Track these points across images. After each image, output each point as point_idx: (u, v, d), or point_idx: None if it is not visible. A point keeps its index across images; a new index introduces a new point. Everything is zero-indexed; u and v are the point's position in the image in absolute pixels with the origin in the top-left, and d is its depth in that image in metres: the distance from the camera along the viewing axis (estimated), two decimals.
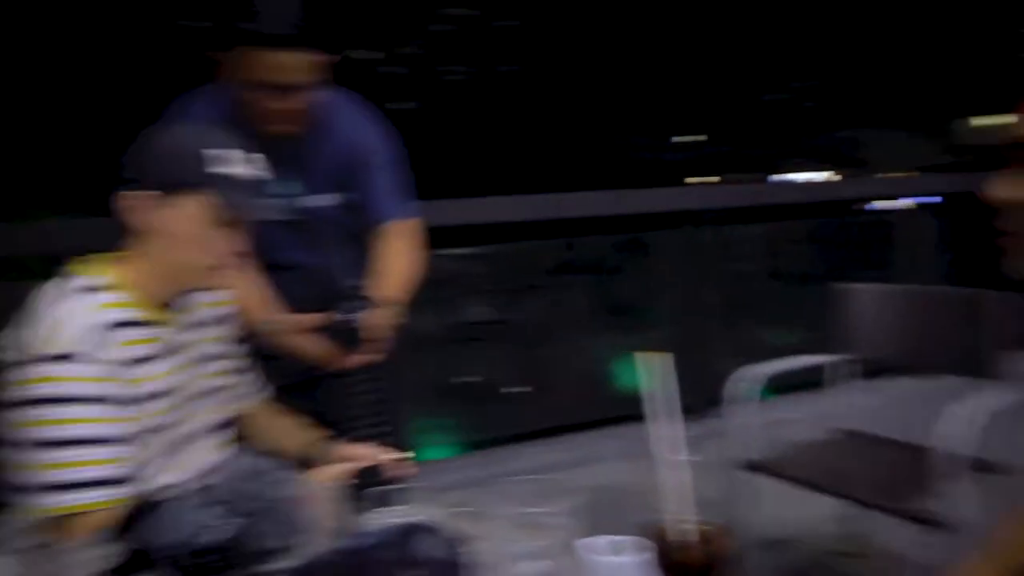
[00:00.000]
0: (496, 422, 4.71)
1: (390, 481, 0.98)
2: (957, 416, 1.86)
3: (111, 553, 0.73)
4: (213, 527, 0.72)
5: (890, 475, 2.00)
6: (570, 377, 5.64)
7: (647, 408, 0.70)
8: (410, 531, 0.61)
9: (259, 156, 1.33)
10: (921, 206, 4.50)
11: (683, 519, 0.71)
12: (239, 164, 1.28)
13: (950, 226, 4.54)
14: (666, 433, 0.70)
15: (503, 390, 5.31)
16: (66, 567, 1.02)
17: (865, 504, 1.97)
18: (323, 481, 1.30)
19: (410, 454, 1.45)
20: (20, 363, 1.19)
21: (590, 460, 3.42)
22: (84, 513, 1.16)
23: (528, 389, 5.26)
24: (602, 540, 0.82)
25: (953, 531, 1.80)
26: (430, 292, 5.72)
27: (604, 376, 5.65)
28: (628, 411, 4.03)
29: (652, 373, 0.71)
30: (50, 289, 1.27)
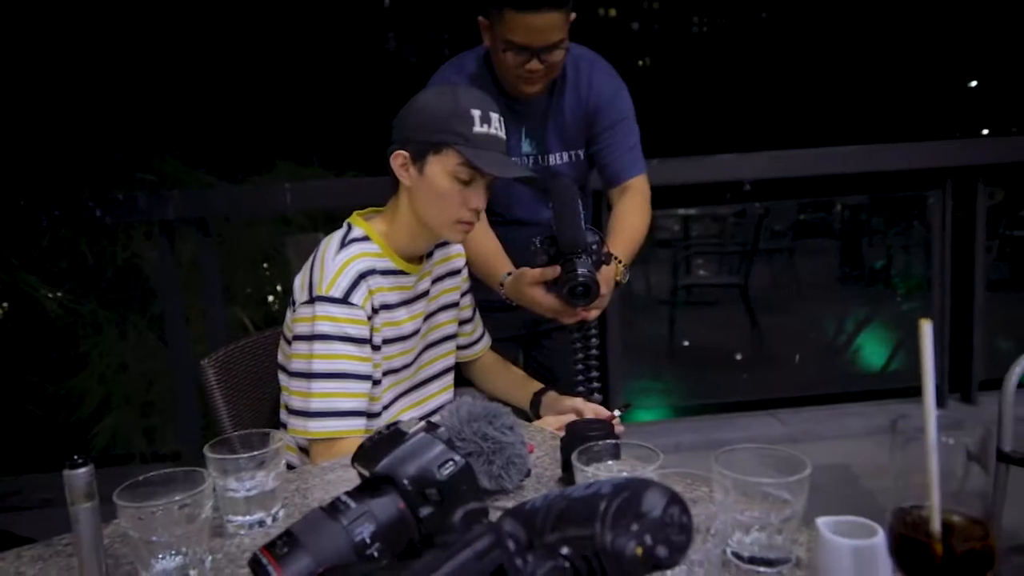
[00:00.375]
0: (719, 388, 4.58)
1: (603, 437, 0.99)
2: None
3: (355, 476, 0.82)
4: (445, 463, 0.77)
5: None
6: (802, 346, 5.33)
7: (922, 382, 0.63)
8: (635, 484, 0.61)
9: (505, 116, 1.39)
10: None
11: (936, 509, 0.64)
12: (487, 123, 1.34)
13: None
14: (930, 408, 0.64)
15: (734, 355, 5.16)
16: (318, 485, 1.15)
17: None
18: (545, 429, 1.36)
19: (621, 409, 1.47)
20: (306, 302, 1.35)
21: (821, 436, 3.22)
22: (337, 439, 1.32)
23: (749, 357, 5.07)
24: (837, 519, 0.77)
25: None
26: (661, 251, 5.67)
27: (843, 348, 5.27)
28: (868, 387, 3.75)
29: (922, 341, 0.64)
30: (332, 238, 1.42)
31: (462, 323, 1.65)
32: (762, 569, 0.84)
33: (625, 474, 0.88)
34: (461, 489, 0.76)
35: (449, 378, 1.61)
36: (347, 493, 0.76)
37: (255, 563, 0.71)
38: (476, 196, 1.36)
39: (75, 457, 0.82)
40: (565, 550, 0.57)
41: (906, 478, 0.67)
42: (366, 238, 1.41)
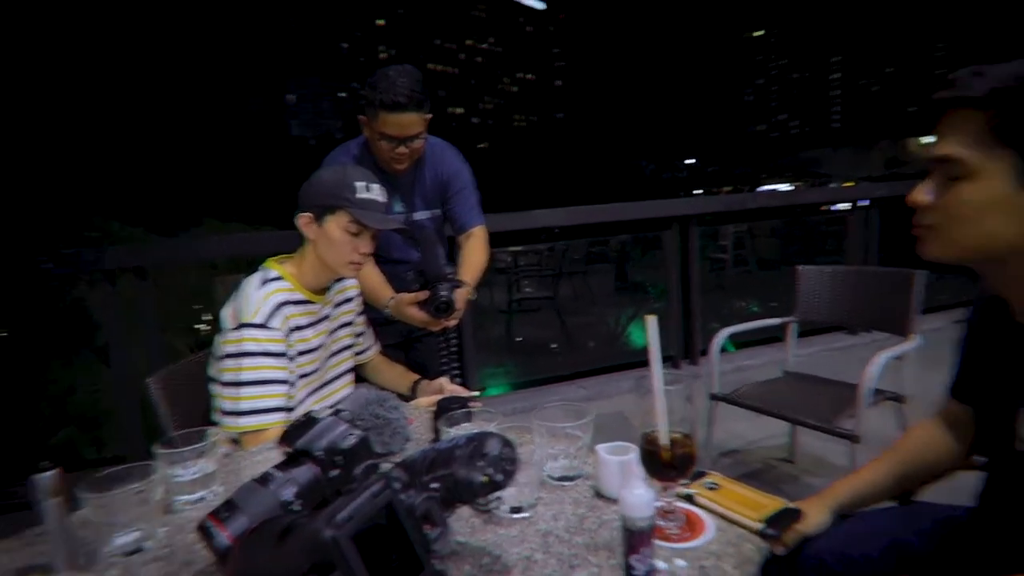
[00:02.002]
0: (541, 367, 4.76)
1: (462, 407, 1.02)
2: (879, 361, 1.82)
3: (277, 458, 0.79)
4: (347, 436, 0.76)
5: (821, 404, 1.96)
6: (594, 336, 5.65)
7: (648, 353, 0.72)
8: (481, 436, 0.64)
9: (383, 186, 1.39)
10: (865, 207, 4.31)
11: (662, 431, 0.73)
12: (372, 192, 1.34)
13: (886, 222, 4.37)
14: (654, 372, 0.72)
15: (549, 345, 5.37)
16: (249, 465, 1.09)
17: (799, 423, 1.94)
18: (419, 407, 1.37)
19: (476, 392, 1.51)
20: (233, 328, 1.27)
21: (607, 395, 3.44)
22: (263, 430, 1.25)
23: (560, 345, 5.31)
24: (609, 445, 0.85)
25: (859, 442, 1.78)
26: (499, 276, 5.78)
27: (619, 335, 5.65)
28: (636, 359, 4.05)
29: (648, 329, 0.73)
30: (252, 278, 1.35)
31: (357, 336, 1.62)
32: (565, 483, 0.89)
33: (476, 430, 0.91)
34: (360, 454, 0.76)
35: (350, 377, 1.58)
36: (274, 466, 0.74)
37: (203, 528, 0.68)
38: (364, 244, 1.36)
39: (43, 462, 0.74)
40: (435, 485, 0.60)
41: (649, 413, 0.75)
42: (280, 278, 1.36)
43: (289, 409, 1.34)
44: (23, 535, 0.85)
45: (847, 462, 1.84)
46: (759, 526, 0.76)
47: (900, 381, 1.96)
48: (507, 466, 0.61)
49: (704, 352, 3.76)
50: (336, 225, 1.32)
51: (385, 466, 0.59)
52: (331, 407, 0.83)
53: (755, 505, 0.81)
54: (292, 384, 1.34)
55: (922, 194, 0.74)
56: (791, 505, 0.82)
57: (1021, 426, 0.72)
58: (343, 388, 1.54)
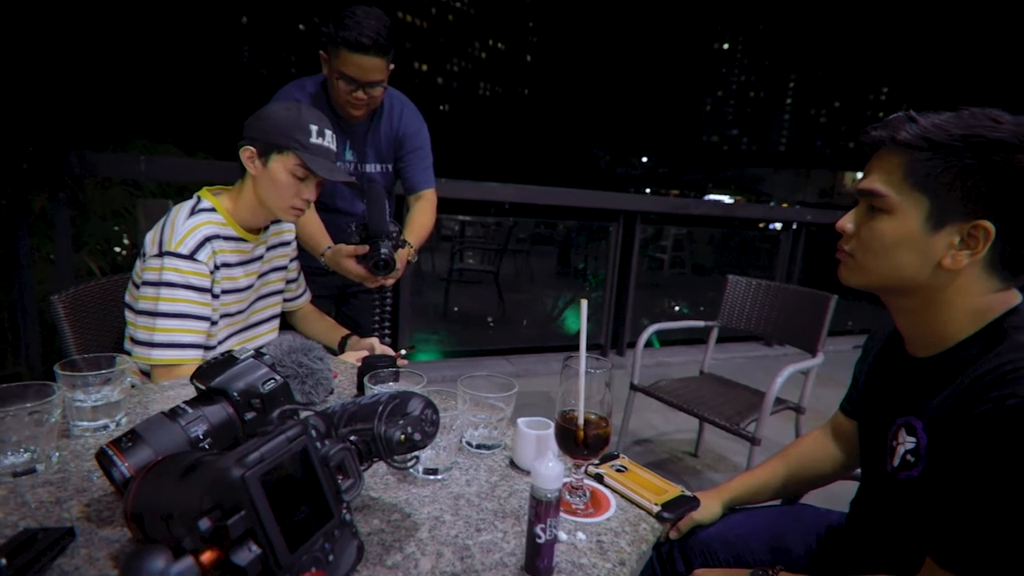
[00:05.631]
0: (473, 340, 4.78)
1: (388, 366, 1.01)
2: (785, 372, 1.95)
3: (189, 393, 0.76)
4: (268, 380, 0.74)
5: (729, 405, 2.09)
6: (530, 315, 5.73)
7: (580, 335, 0.74)
8: (404, 395, 0.64)
9: (335, 132, 1.34)
10: (796, 229, 4.60)
11: (579, 410, 0.75)
12: (322, 137, 1.28)
13: (811, 245, 4.68)
14: (581, 353, 0.74)
15: (487, 319, 5.39)
16: (158, 399, 1.05)
17: (707, 421, 2.06)
18: (345, 362, 1.34)
19: (403, 351, 1.50)
20: (155, 255, 1.20)
21: (535, 373, 3.52)
22: (177, 365, 1.20)
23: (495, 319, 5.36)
24: (529, 419, 0.87)
25: (759, 444, 1.92)
26: (444, 244, 5.72)
27: (554, 318, 5.76)
28: (567, 343, 4.15)
29: (579, 312, 0.75)
30: (183, 206, 1.28)
31: (289, 282, 1.57)
32: (483, 452, 0.91)
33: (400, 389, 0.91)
34: (279, 400, 0.74)
35: (275, 323, 1.52)
36: (185, 402, 0.71)
37: (101, 455, 0.64)
38: (308, 190, 1.30)
39: None
40: (353, 438, 0.59)
41: (569, 393, 0.78)
42: (213, 209, 1.29)
43: (207, 348, 1.29)
44: None
45: (744, 461, 1.99)
46: (657, 509, 0.81)
47: (800, 393, 2.12)
48: (427, 427, 0.62)
49: (632, 344, 3.91)
50: (282, 166, 1.26)
51: (304, 414, 0.57)
52: (253, 350, 0.80)
53: (657, 490, 0.86)
54: (214, 323, 1.28)
55: (847, 222, 0.80)
56: (689, 494, 0.88)
57: (893, 447, 0.80)
58: (267, 334, 1.49)
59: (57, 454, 0.79)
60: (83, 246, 3.30)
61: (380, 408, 0.60)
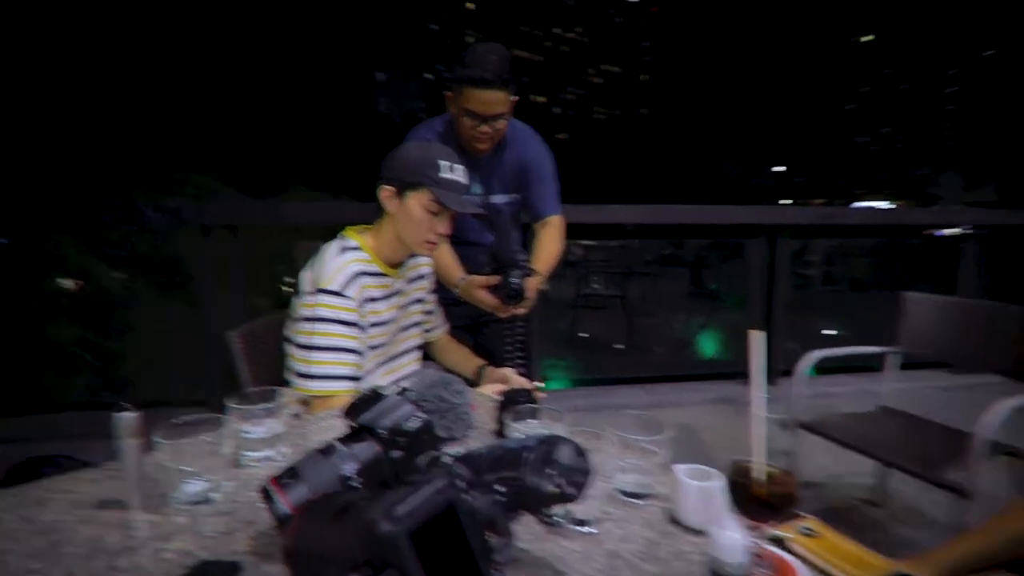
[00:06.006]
0: (603, 367, 4.64)
1: (527, 402, 0.97)
2: (1000, 409, 1.60)
3: (343, 426, 0.77)
4: (412, 418, 0.73)
5: (921, 447, 1.76)
6: (662, 341, 5.46)
7: (751, 374, 0.63)
8: (552, 440, 0.59)
9: (464, 167, 1.36)
10: (980, 235, 3.88)
11: (758, 463, 0.64)
12: (452, 171, 1.31)
13: (994, 253, 3.93)
14: (757, 394, 0.64)
15: (613, 345, 5.24)
16: (315, 430, 1.10)
17: (895, 467, 1.74)
18: (484, 394, 1.33)
19: (541, 384, 1.46)
20: (310, 292, 1.29)
21: (674, 403, 3.30)
22: (331, 397, 1.26)
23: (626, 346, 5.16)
24: (688, 467, 0.77)
25: (971, 498, 1.56)
26: (568, 270, 5.71)
27: (689, 343, 5.42)
28: (705, 370, 3.86)
29: (752, 346, 0.65)
30: (331, 245, 1.36)
31: (427, 313, 1.61)
32: (635, 501, 0.82)
33: (544, 431, 0.86)
34: (423, 438, 0.73)
35: (417, 353, 1.57)
36: (337, 439, 0.72)
37: (265, 491, 0.67)
38: (442, 224, 1.34)
39: (123, 404, 0.76)
40: (499, 488, 0.55)
41: (725, 435, 0.67)
42: (358, 247, 1.36)
43: (357, 378, 1.35)
44: (105, 467, 0.89)
45: (944, 515, 1.64)
46: None
47: (1016, 434, 1.72)
48: (578, 478, 0.56)
49: (786, 373, 3.53)
50: (417, 202, 1.30)
51: (447, 458, 0.55)
52: (397, 384, 0.80)
53: (859, 562, 0.70)
54: (362, 354, 1.34)
55: None
56: (903, 571, 0.70)
57: None
58: (410, 364, 1.53)
59: (229, 484, 0.84)
60: (251, 286, 3.76)
61: (527, 455, 0.55)
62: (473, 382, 1.58)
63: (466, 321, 1.93)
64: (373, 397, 0.75)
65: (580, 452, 0.58)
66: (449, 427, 0.96)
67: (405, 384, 0.93)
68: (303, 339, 1.28)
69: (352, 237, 1.38)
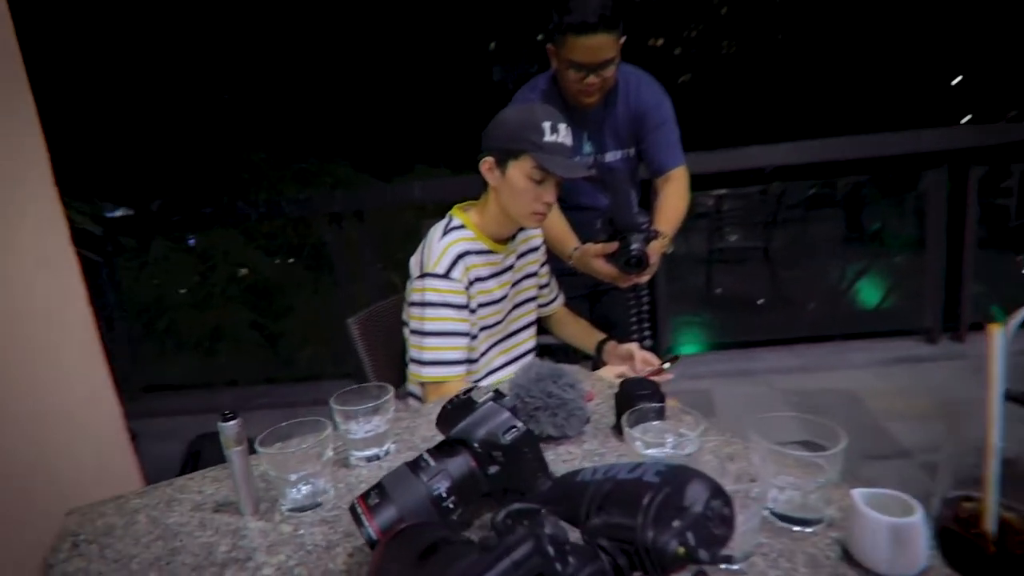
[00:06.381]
0: (744, 328, 4.21)
1: (650, 398, 0.82)
2: None
3: (441, 434, 0.69)
4: (508, 429, 0.63)
5: None
6: (814, 295, 4.83)
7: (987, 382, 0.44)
8: (680, 476, 0.44)
9: (571, 125, 1.23)
10: None
11: (990, 504, 0.45)
12: (556, 133, 1.18)
13: None
14: (993, 407, 0.44)
15: (757, 301, 4.74)
16: (423, 424, 1.05)
17: None
18: (604, 378, 1.20)
19: (668, 361, 1.29)
20: (418, 276, 1.24)
21: (830, 367, 2.89)
22: (444, 382, 1.22)
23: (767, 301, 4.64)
24: (872, 491, 0.58)
25: None
26: (700, 221, 5.27)
27: (846, 296, 4.74)
28: (869, 327, 3.33)
29: (989, 343, 0.44)
30: (438, 227, 1.31)
31: (541, 287, 1.51)
32: (796, 528, 0.64)
33: (670, 442, 0.70)
34: (523, 451, 0.62)
35: (533, 330, 1.48)
36: (428, 452, 0.64)
37: (353, 511, 0.61)
38: (548, 192, 1.21)
39: (226, 412, 0.74)
40: (605, 542, 0.42)
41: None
42: (463, 226, 1.29)
43: (471, 361, 1.30)
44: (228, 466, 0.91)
45: None
46: None
47: None
48: (716, 528, 0.41)
49: (976, 326, 2.92)
50: (519, 172, 1.19)
51: (555, 461, 0.43)
52: (494, 390, 0.70)
53: None
54: (473, 336, 1.28)
55: None
56: None
57: None
58: (527, 341, 1.45)
59: (332, 489, 0.81)
60: (386, 264, 3.96)
61: (646, 498, 0.42)
62: (595, 359, 1.46)
63: (583, 290, 1.80)
64: (465, 404, 0.66)
65: (718, 493, 0.43)
66: (561, 425, 0.85)
67: (504, 386, 0.84)
68: (415, 324, 1.25)
69: (457, 215, 1.31)
